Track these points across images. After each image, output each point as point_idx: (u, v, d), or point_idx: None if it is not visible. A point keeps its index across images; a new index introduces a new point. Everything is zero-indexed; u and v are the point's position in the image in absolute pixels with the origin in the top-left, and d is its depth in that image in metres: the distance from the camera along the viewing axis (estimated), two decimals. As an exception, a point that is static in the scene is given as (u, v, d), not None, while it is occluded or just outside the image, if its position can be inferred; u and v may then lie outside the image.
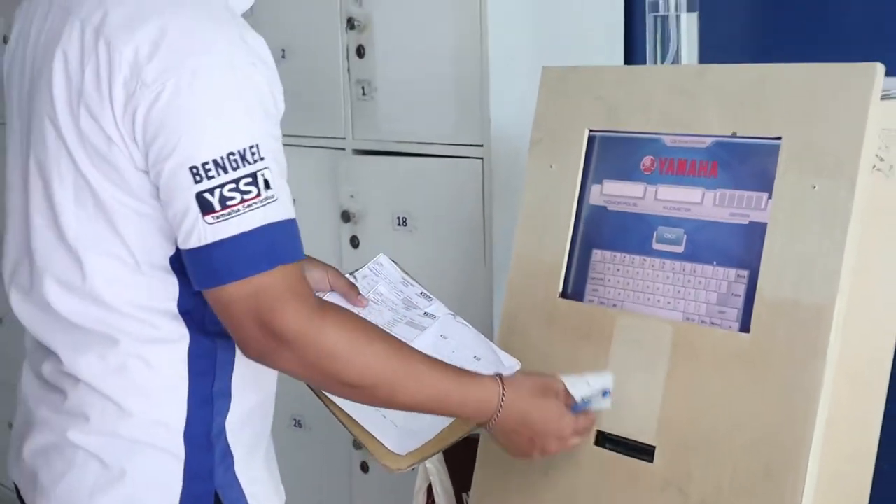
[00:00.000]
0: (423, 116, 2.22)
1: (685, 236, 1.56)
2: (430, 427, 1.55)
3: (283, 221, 1.26)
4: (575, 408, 1.50)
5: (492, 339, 1.68)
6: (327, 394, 1.53)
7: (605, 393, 1.53)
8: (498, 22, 2.08)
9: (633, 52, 2.24)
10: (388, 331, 1.48)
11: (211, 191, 1.22)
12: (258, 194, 1.24)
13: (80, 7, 1.29)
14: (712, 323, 1.50)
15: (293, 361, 1.29)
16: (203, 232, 1.23)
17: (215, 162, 1.22)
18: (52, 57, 1.29)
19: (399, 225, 2.27)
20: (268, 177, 1.25)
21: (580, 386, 1.51)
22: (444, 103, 2.17)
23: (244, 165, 1.23)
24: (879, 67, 1.37)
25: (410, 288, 1.78)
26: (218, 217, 1.23)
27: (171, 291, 1.32)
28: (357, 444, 2.32)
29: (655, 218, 1.59)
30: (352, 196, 2.34)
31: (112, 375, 1.33)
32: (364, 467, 2.42)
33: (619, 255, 1.63)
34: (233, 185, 1.23)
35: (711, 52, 1.78)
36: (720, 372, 1.47)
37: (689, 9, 1.71)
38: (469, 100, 2.12)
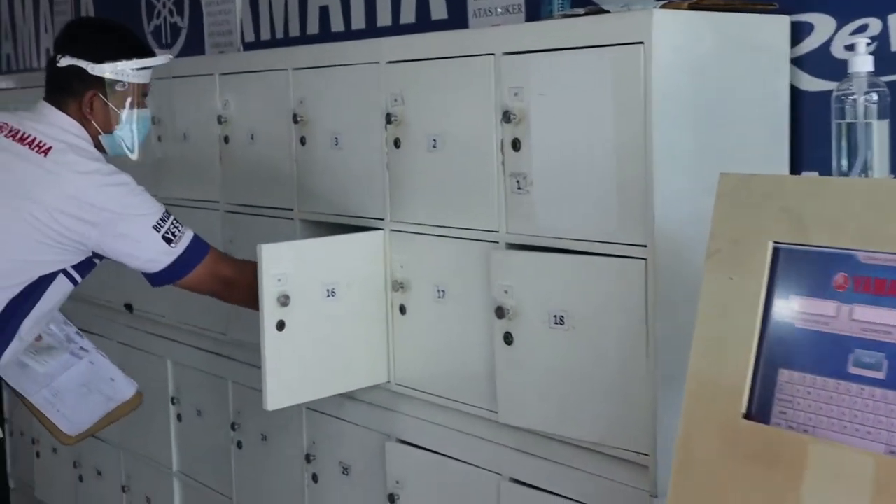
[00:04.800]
0: (581, 212, 2.15)
1: (886, 361, 1.45)
2: (90, 418, 2.73)
3: None
4: None
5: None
6: (23, 393, 2.66)
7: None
8: (662, 118, 2.00)
9: (800, 159, 2.13)
10: (54, 359, 2.69)
11: None
12: None
13: None
14: (920, 458, 1.39)
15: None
16: None
17: None
18: None
19: (556, 324, 2.19)
20: None
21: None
22: (605, 200, 2.09)
23: None
24: None
25: (69, 327, 2.75)
26: None
27: None
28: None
29: (851, 339, 1.49)
30: (506, 291, 2.27)
31: None
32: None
33: (809, 376, 1.53)
34: None
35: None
36: (931, 513, 1.36)
37: (881, 116, 1.60)
38: (632, 197, 2.04)
